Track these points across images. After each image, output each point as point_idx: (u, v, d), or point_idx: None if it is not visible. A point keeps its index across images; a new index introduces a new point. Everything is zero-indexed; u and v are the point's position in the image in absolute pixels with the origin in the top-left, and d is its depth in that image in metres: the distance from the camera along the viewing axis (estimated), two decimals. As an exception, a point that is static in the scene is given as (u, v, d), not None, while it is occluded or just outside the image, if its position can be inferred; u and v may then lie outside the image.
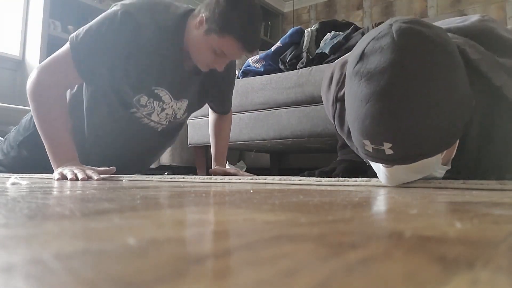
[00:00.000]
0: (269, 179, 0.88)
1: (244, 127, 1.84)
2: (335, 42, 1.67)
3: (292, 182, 0.83)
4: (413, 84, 0.57)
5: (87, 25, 1.13)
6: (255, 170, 2.34)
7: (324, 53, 1.69)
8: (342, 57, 0.96)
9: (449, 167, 0.72)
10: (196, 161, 2.03)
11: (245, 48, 1.13)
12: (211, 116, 1.54)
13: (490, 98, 0.69)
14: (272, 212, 0.30)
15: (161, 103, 1.25)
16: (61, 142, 1.07)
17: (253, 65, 1.91)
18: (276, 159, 2.48)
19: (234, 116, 1.74)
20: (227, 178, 0.98)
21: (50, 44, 2.62)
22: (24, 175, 1.20)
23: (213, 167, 1.50)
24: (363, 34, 1.64)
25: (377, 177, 0.82)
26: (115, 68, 1.15)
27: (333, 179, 0.86)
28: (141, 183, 0.77)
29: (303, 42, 1.80)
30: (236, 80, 1.97)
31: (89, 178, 0.94)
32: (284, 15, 4.85)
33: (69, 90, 1.26)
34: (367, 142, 0.63)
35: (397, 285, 0.12)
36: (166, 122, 1.31)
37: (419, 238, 0.20)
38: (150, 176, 1.13)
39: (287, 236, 0.20)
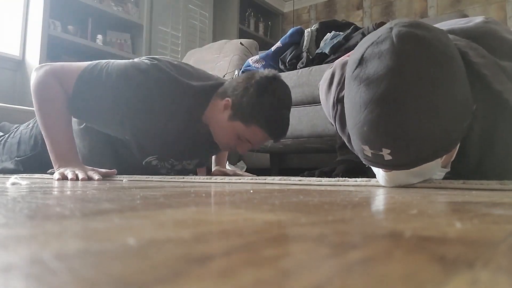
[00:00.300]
0: (269, 179, 0.88)
1: (244, 127, 1.84)
2: (335, 42, 1.67)
3: (292, 182, 0.83)
4: (412, 91, 0.57)
5: (106, 65, 1.07)
6: (255, 170, 2.34)
7: (324, 53, 1.69)
8: (341, 57, 0.96)
9: (449, 170, 0.72)
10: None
11: (272, 137, 1.10)
12: None
13: (491, 102, 0.69)
14: (272, 212, 0.30)
15: (171, 162, 1.23)
16: (63, 142, 1.06)
17: (253, 65, 1.91)
18: (276, 159, 2.48)
19: (234, 116, 1.73)
20: (227, 178, 0.98)
21: (50, 44, 2.62)
22: (24, 175, 1.20)
23: (213, 168, 1.50)
24: (363, 34, 1.63)
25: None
26: (116, 126, 1.11)
27: (333, 179, 0.86)
28: (141, 183, 0.77)
29: (303, 42, 1.80)
30: (236, 80, 1.96)
31: (89, 178, 0.94)
32: (284, 15, 4.85)
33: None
34: (366, 148, 0.63)
35: (397, 285, 0.12)
36: (175, 172, 1.30)
37: (419, 238, 0.20)
38: (150, 176, 1.13)
39: (287, 236, 0.20)
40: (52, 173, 1.08)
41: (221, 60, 2.62)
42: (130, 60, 1.10)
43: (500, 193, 0.54)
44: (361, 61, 0.61)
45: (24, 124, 1.42)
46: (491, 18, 0.81)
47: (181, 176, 1.07)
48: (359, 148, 0.65)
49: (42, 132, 1.07)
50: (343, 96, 0.79)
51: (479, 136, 0.71)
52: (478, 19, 0.79)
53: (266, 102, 1.04)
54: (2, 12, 2.63)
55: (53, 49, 2.66)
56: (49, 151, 1.06)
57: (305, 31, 1.84)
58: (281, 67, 1.83)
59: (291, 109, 1.72)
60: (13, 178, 0.67)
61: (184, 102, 1.08)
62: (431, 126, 0.58)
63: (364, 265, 0.14)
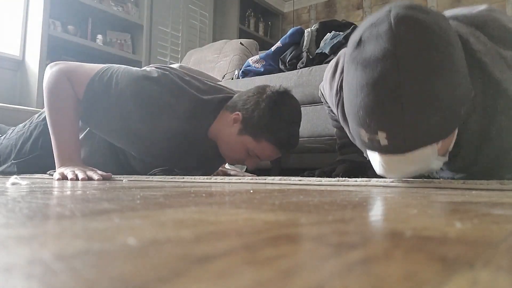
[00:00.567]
0: (269, 179, 0.88)
1: (244, 127, 1.84)
2: (335, 42, 1.67)
3: (292, 182, 0.83)
4: (408, 75, 0.57)
5: (119, 69, 1.06)
6: (255, 170, 2.34)
7: (324, 53, 1.69)
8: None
9: (447, 159, 0.72)
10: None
11: (281, 152, 1.09)
12: None
13: (491, 91, 0.69)
14: (272, 212, 0.30)
15: (175, 172, 1.24)
16: (67, 141, 1.06)
17: (253, 65, 1.91)
18: (276, 159, 2.47)
19: (234, 116, 1.74)
20: (227, 178, 0.98)
21: (50, 44, 2.62)
22: (24, 175, 1.20)
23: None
24: (363, 34, 1.63)
25: (377, 177, 0.82)
26: (122, 139, 1.10)
27: (333, 179, 0.86)
28: (141, 183, 0.77)
29: (303, 42, 1.81)
30: (236, 80, 1.97)
31: (89, 178, 0.94)
32: (284, 15, 4.85)
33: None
34: (362, 132, 0.62)
35: (397, 285, 0.12)
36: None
37: (419, 238, 0.20)
38: (150, 176, 1.13)
39: (287, 236, 0.20)
40: (51, 175, 1.08)
41: (221, 60, 2.62)
42: (141, 69, 1.09)
43: (500, 193, 0.54)
44: (359, 43, 0.61)
45: (20, 125, 1.39)
46: (494, 7, 0.81)
47: (181, 176, 1.07)
48: (357, 134, 0.65)
49: (49, 128, 1.07)
50: None
51: (477, 124, 0.71)
52: (482, 7, 0.79)
53: (277, 117, 1.04)
54: (2, 12, 2.63)
55: (53, 49, 2.66)
56: (53, 148, 1.06)
57: (305, 31, 1.84)
58: (281, 67, 1.83)
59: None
60: (13, 178, 0.67)
61: (192, 114, 1.07)
62: (427, 111, 0.58)
63: (364, 265, 0.14)
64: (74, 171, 0.96)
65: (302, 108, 1.70)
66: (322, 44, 1.75)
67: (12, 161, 1.31)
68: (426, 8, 0.63)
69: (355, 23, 1.91)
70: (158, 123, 1.05)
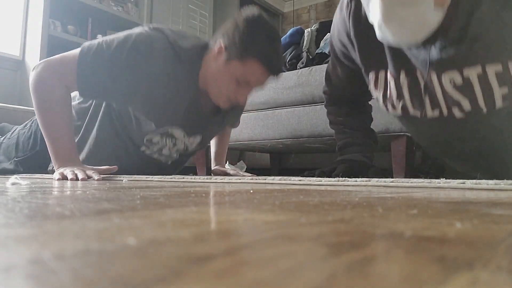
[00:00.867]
0: (269, 179, 0.88)
1: (244, 127, 1.84)
2: (335, 42, 1.67)
3: (292, 182, 0.83)
4: None
5: (103, 39, 1.09)
6: (255, 170, 2.34)
7: (324, 53, 1.69)
8: None
9: (443, 13, 0.73)
10: (196, 161, 2.03)
11: (270, 71, 1.09)
12: None
13: None
14: (272, 212, 0.30)
15: (173, 139, 1.22)
16: (62, 141, 1.06)
17: (253, 65, 1.91)
18: (276, 159, 2.48)
19: (234, 116, 1.74)
20: (227, 178, 0.98)
21: (50, 44, 2.62)
22: (24, 175, 1.20)
23: (212, 167, 1.50)
24: (363, 34, 1.63)
25: (377, 177, 0.82)
26: (123, 96, 1.11)
27: (333, 179, 0.86)
28: (141, 183, 0.77)
29: (303, 42, 1.81)
30: (236, 80, 1.96)
31: (89, 178, 0.94)
32: (284, 15, 4.85)
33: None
34: None
35: (397, 285, 0.12)
36: (176, 155, 1.28)
37: (419, 238, 0.20)
38: (150, 176, 1.13)
39: (287, 236, 0.20)
40: (52, 170, 1.08)
41: (221, 60, 2.61)
42: (127, 30, 1.13)
43: (500, 193, 0.54)
44: None
45: (21, 125, 1.41)
46: None
47: (181, 176, 1.07)
48: None
49: (42, 131, 1.07)
50: None
51: None
52: None
53: (258, 34, 1.06)
54: (2, 12, 2.63)
55: (53, 49, 2.66)
56: (49, 150, 1.06)
57: (305, 31, 1.84)
58: (281, 67, 1.83)
59: (291, 108, 1.73)
60: (13, 178, 0.67)
61: (180, 59, 1.10)
62: None
63: (364, 265, 0.14)
64: (73, 171, 0.96)
65: (302, 108, 1.70)
66: (322, 44, 1.75)
67: (15, 159, 1.32)
68: None
69: (355, 23, 1.90)
70: (153, 69, 1.08)
